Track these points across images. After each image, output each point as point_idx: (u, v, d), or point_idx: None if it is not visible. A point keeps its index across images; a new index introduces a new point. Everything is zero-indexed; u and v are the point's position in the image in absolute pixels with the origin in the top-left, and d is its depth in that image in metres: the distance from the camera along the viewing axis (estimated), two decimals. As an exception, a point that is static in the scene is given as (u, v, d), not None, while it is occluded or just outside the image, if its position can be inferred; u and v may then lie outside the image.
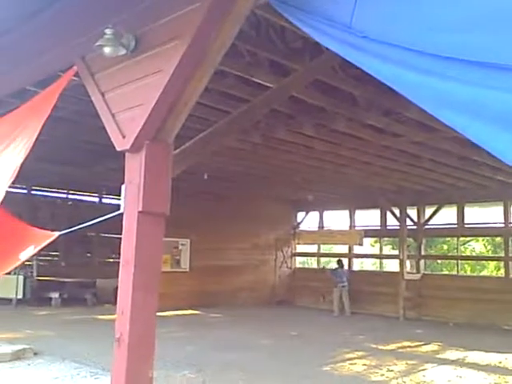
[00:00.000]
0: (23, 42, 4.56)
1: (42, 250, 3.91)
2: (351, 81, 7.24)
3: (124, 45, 3.24)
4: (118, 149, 3.36)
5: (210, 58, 3.07)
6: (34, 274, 14.27)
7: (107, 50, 3.23)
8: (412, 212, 16.12)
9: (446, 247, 21.07)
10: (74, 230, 3.76)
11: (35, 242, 3.83)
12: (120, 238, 3.31)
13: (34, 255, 4.04)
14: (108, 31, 3.16)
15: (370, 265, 21.82)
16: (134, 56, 3.30)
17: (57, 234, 3.73)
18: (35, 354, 7.58)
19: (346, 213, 18.18)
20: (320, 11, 2.20)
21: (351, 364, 8.50)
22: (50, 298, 14.36)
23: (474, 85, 1.75)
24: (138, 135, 3.22)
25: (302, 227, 19.48)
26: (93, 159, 12.21)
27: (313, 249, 19.44)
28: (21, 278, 13.70)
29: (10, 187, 3.84)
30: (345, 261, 16.90)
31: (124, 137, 3.32)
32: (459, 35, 1.79)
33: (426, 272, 16.59)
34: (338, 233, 17.89)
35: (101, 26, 3.24)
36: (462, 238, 17.09)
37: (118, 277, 3.29)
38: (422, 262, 16.37)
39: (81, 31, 3.79)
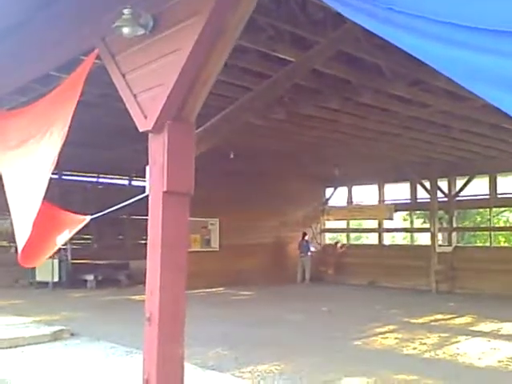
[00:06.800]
0: (45, 29, 4.57)
1: (75, 233, 3.98)
2: (376, 51, 7.05)
3: (142, 25, 3.22)
4: (141, 129, 3.36)
5: (228, 33, 3.02)
6: (69, 257, 14.59)
7: (126, 30, 3.22)
8: (443, 184, 15.84)
9: (478, 219, 20.69)
10: (104, 214, 3.80)
11: (69, 227, 3.91)
12: (150, 220, 3.33)
13: (69, 239, 4.12)
14: (126, 11, 3.14)
15: (401, 239, 21.63)
16: (152, 36, 3.28)
17: (88, 218, 3.79)
18: (72, 334, 7.78)
19: (375, 187, 17.98)
20: None
21: (383, 338, 8.48)
22: (85, 281, 14.71)
23: (509, 57, 1.67)
24: (159, 115, 3.21)
25: (331, 203, 19.39)
26: (119, 142, 12.31)
27: (342, 225, 19.37)
28: (56, 261, 14.04)
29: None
30: (374, 235, 16.79)
31: (146, 117, 3.31)
32: (494, 4, 1.69)
33: (458, 244, 16.37)
34: (368, 208, 17.75)
35: (119, 6, 3.22)
36: (494, 209, 16.73)
37: (147, 258, 3.32)
38: (453, 234, 16.14)
39: (100, 13, 3.78)
